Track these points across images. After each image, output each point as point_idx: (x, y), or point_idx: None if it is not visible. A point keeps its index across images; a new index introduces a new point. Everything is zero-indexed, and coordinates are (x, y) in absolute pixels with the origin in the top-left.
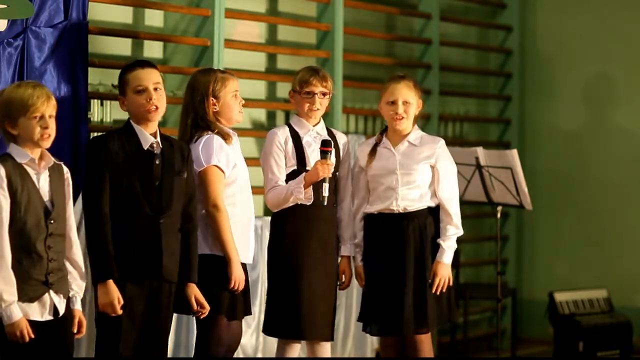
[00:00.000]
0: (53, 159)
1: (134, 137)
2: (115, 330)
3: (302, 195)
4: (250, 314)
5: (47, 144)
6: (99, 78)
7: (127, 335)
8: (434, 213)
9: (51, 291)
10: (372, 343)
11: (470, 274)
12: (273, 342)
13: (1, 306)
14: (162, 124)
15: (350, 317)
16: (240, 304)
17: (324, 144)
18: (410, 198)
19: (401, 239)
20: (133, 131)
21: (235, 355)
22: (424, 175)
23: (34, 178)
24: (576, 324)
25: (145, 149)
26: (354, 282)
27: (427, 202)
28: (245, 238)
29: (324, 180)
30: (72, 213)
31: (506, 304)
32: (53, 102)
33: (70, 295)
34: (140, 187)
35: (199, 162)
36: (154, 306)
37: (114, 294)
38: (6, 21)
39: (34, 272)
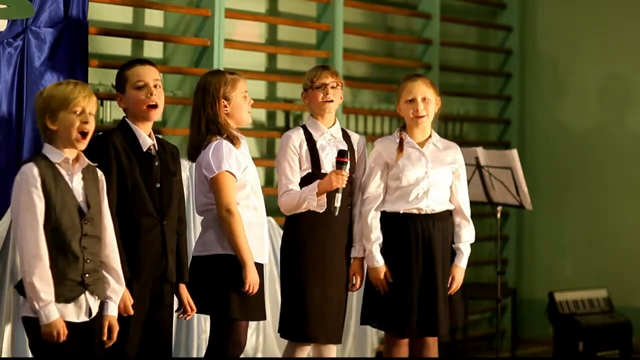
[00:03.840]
0: (87, 160)
1: (134, 137)
2: (123, 331)
3: (315, 202)
4: (265, 318)
5: (83, 144)
6: (99, 78)
7: (133, 336)
8: (451, 216)
9: (87, 292)
10: (372, 343)
11: (470, 274)
12: (273, 342)
13: (39, 306)
14: (162, 124)
15: (350, 317)
16: (255, 305)
17: (341, 154)
18: (438, 200)
19: (429, 240)
20: (132, 131)
21: None
22: (447, 178)
23: (67, 178)
24: (576, 324)
25: (145, 150)
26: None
27: (447, 205)
28: (260, 239)
29: (337, 190)
30: (108, 215)
31: (506, 304)
32: (94, 99)
33: (103, 300)
34: (145, 189)
35: (209, 168)
36: (158, 307)
37: (125, 294)
38: (6, 21)
39: (70, 272)
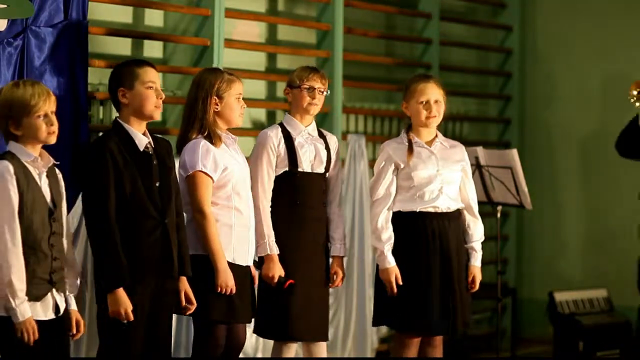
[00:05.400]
0: (52, 160)
1: (129, 138)
2: (125, 334)
3: (261, 251)
4: (250, 321)
5: (53, 139)
6: (99, 78)
7: (136, 336)
8: (461, 215)
9: (54, 290)
10: (372, 343)
11: None
12: (273, 342)
13: (15, 303)
14: (162, 124)
15: (350, 317)
16: (242, 307)
17: (290, 286)
18: (452, 197)
19: (445, 239)
20: (126, 132)
21: None
22: (458, 175)
23: (37, 177)
24: (576, 324)
25: (142, 150)
26: (353, 282)
27: (459, 203)
28: (243, 241)
29: (258, 267)
30: (66, 213)
31: (506, 303)
32: (53, 98)
33: (67, 295)
34: (144, 190)
35: (185, 168)
36: (160, 304)
37: (125, 302)
38: (6, 21)
39: (40, 271)
